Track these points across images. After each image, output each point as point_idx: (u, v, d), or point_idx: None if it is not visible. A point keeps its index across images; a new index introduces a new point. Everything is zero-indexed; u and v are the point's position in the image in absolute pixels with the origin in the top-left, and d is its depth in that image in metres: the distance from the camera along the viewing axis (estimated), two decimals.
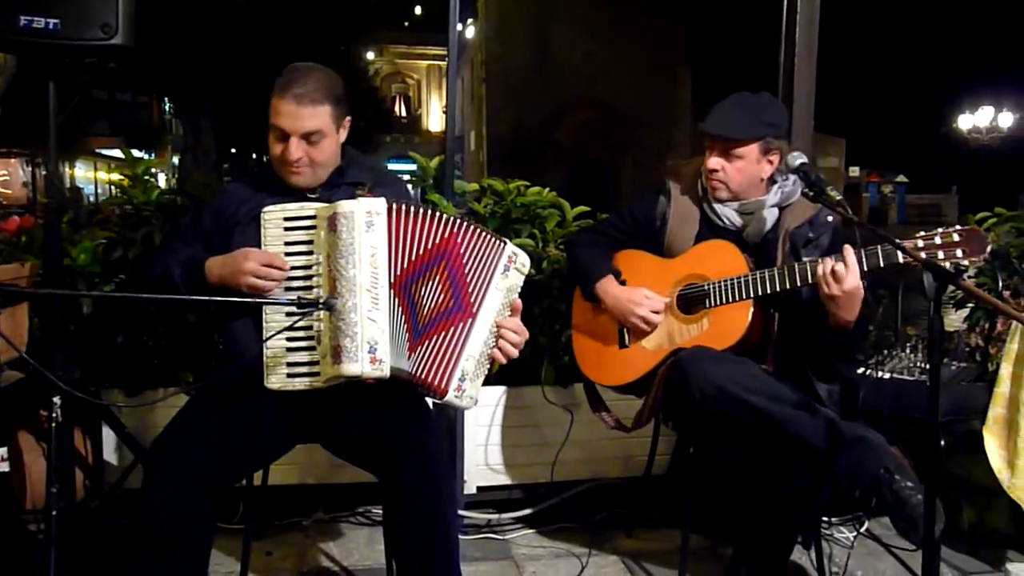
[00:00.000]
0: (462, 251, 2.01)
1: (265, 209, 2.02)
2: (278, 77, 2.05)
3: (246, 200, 2.12)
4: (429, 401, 2.11)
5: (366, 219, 1.90)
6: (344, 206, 1.92)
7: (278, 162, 2.09)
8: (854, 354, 2.43)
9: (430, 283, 1.98)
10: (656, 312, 2.42)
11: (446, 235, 1.99)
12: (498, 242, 2.06)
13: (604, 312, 2.53)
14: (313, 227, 1.98)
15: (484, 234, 2.04)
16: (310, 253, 1.98)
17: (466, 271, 2.01)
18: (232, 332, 2.08)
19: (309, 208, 2.00)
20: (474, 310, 2.02)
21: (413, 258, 1.96)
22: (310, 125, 2.03)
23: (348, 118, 2.14)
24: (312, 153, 2.06)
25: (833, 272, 2.08)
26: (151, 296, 2.07)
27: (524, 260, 2.10)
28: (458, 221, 2.02)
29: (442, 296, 1.99)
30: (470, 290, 2.02)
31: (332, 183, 2.16)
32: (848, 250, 2.07)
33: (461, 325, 2.00)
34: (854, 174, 32.84)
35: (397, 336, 1.93)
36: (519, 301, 2.10)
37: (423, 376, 1.97)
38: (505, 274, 2.05)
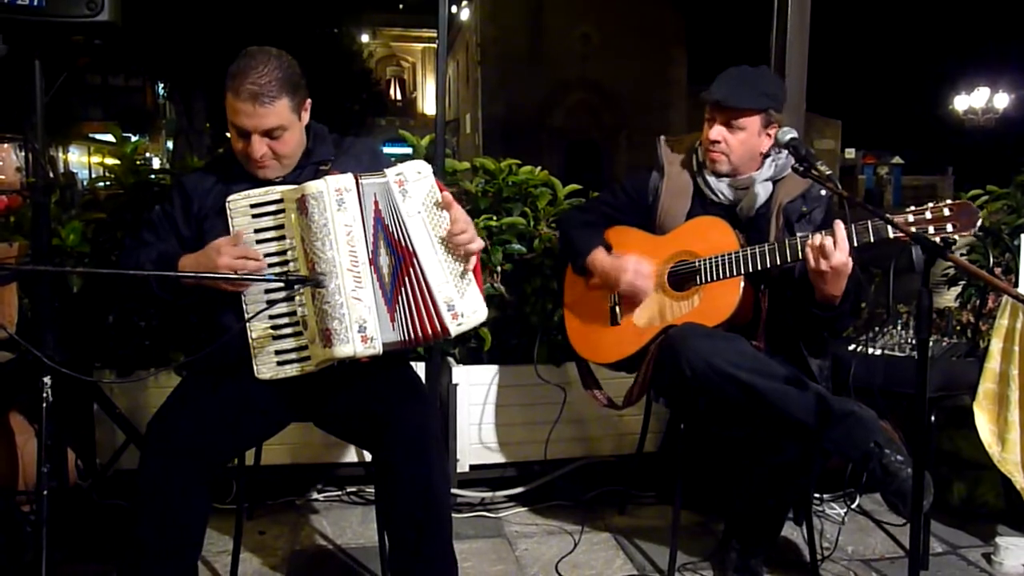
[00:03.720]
0: (379, 207, 1.95)
1: (229, 198, 1.97)
2: (231, 66, 1.96)
3: (210, 190, 2.08)
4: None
5: (336, 197, 1.88)
6: (312, 187, 1.89)
7: (242, 158, 2.03)
8: (841, 329, 2.43)
9: (381, 249, 1.95)
10: (645, 276, 2.39)
11: (376, 197, 1.94)
12: (379, 179, 1.96)
13: (596, 289, 2.53)
14: (281, 211, 1.95)
15: (374, 181, 1.95)
16: (282, 238, 1.96)
17: (386, 222, 1.95)
18: (217, 319, 2.05)
19: (275, 192, 1.97)
20: (412, 250, 1.95)
21: (372, 230, 1.93)
22: (270, 123, 1.95)
23: (308, 100, 2.06)
24: (276, 147, 2.00)
25: (822, 247, 2.08)
26: (136, 272, 2.02)
27: (415, 168, 1.99)
28: (372, 179, 1.95)
29: (388, 258, 1.95)
30: (397, 237, 1.95)
31: (299, 164, 2.10)
32: (838, 225, 2.07)
33: (411, 270, 1.95)
34: (850, 156, 32.81)
35: (380, 311, 1.93)
36: (445, 195, 1.99)
37: (419, 336, 1.95)
38: (407, 196, 1.96)
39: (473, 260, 2.02)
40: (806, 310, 2.22)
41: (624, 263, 2.41)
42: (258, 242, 1.96)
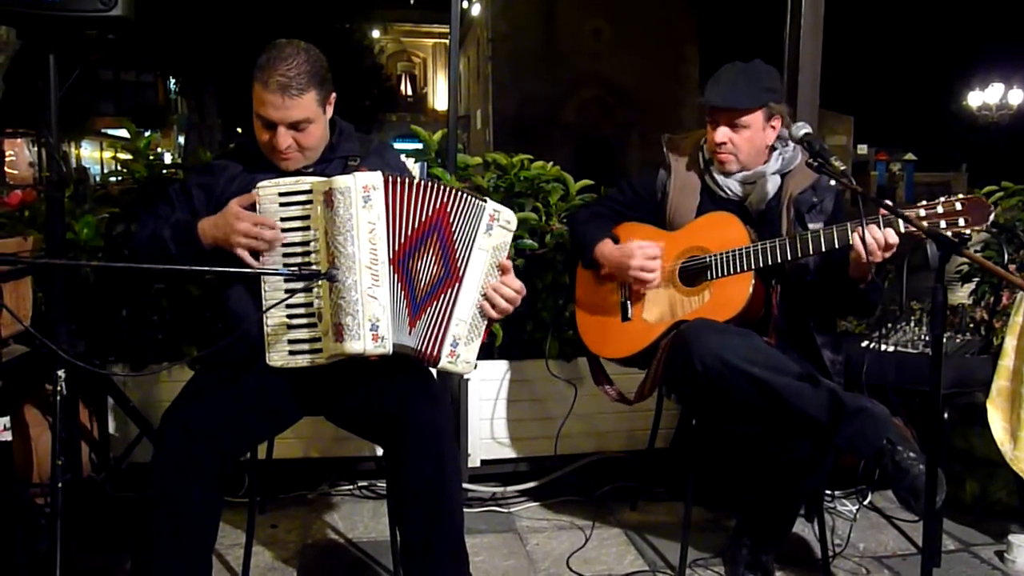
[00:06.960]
0: (451, 219, 1.99)
1: (260, 184, 1.98)
2: (259, 57, 1.98)
3: (236, 177, 2.10)
4: (433, 372, 2.10)
5: (363, 194, 1.89)
6: (340, 181, 1.90)
7: (266, 149, 2.06)
8: (876, 302, 2.38)
9: (426, 255, 1.97)
10: (652, 259, 2.40)
11: (437, 205, 1.98)
12: (478, 201, 2.03)
13: (606, 284, 2.53)
14: (309, 202, 1.96)
15: (466, 195, 2.01)
16: (307, 229, 1.96)
17: (453, 237, 2.00)
18: (232, 307, 2.06)
19: (304, 183, 1.98)
20: (460, 274, 2.01)
21: (409, 232, 1.95)
22: (297, 115, 1.99)
23: (333, 94, 2.09)
24: (300, 139, 2.03)
25: (885, 237, 2.08)
26: (150, 266, 2.05)
27: (508, 217, 2.07)
28: (445, 187, 2.00)
29: (435, 267, 1.99)
30: (457, 255, 2.00)
31: (324, 157, 2.13)
32: (882, 213, 2.07)
33: (450, 291, 2.00)
34: (862, 152, 32.60)
35: (398, 312, 1.93)
36: (507, 262, 2.07)
37: (419, 348, 1.98)
38: (489, 233, 2.03)
39: (488, 324, 2.09)
40: (840, 289, 2.25)
41: (630, 249, 2.41)
42: (283, 231, 1.97)
